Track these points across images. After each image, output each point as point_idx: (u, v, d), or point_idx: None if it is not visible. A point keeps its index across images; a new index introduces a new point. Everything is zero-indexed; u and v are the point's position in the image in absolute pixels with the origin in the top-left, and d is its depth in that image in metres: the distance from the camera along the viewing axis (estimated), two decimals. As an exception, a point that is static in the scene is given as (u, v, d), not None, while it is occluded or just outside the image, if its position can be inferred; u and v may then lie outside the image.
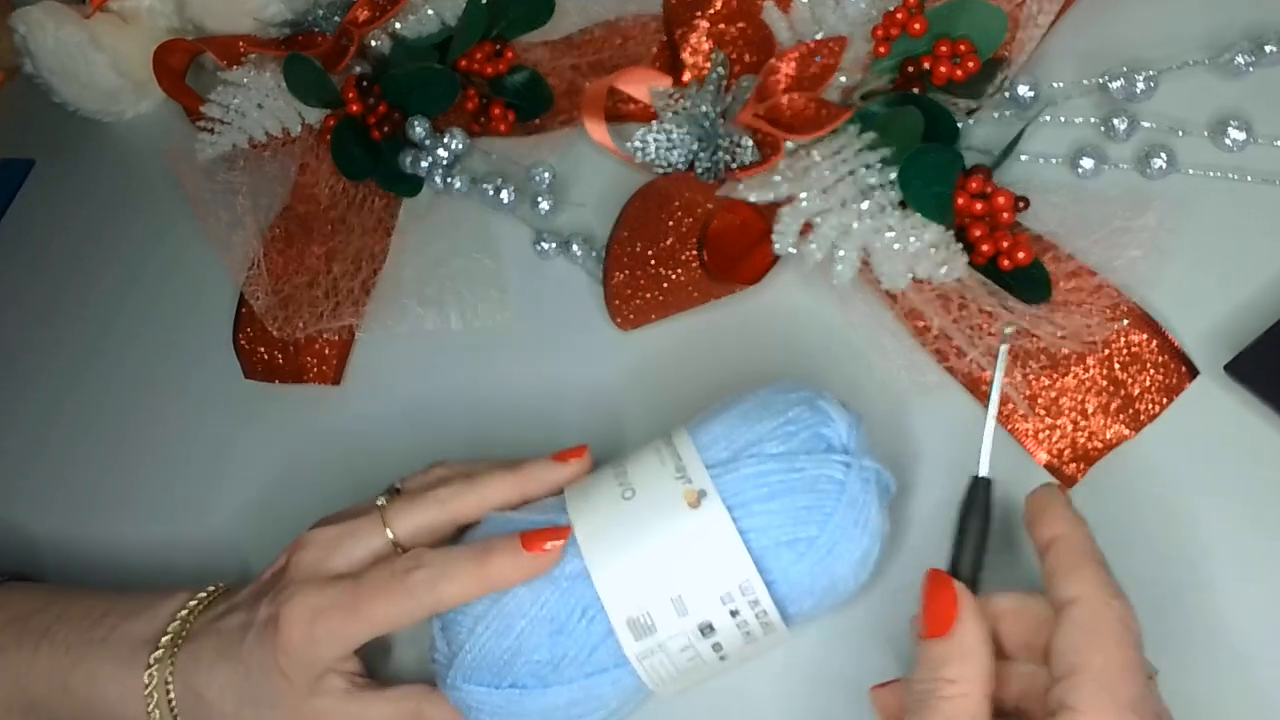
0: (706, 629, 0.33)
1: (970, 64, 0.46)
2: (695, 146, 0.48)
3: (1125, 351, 0.41)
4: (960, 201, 0.41)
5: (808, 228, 0.43)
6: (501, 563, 0.34)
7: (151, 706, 0.37)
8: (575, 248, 0.49)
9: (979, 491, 0.33)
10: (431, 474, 0.40)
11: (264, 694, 0.36)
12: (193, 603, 0.39)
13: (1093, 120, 0.47)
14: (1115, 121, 0.46)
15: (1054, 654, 0.29)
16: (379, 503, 0.39)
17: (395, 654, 0.41)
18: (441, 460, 0.41)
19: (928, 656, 0.30)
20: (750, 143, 0.45)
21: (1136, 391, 0.40)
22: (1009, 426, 0.40)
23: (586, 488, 0.36)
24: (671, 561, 0.33)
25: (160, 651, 0.38)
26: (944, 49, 0.46)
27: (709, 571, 0.33)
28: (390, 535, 0.38)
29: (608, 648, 0.33)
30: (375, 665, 0.40)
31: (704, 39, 0.51)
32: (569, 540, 0.34)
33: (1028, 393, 0.40)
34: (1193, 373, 0.40)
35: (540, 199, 0.51)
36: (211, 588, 0.40)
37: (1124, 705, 0.27)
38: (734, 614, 0.33)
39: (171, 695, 0.37)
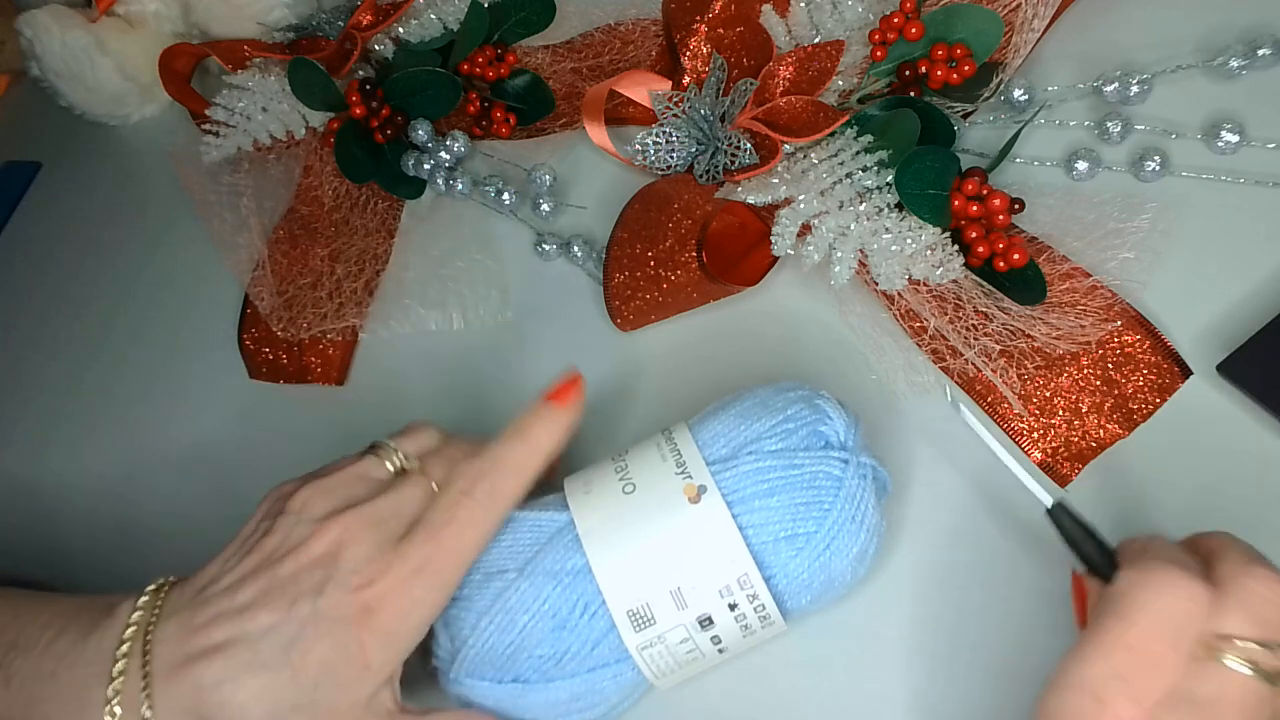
0: (705, 622, 0.34)
1: (966, 68, 0.47)
2: (694, 149, 0.48)
3: (1119, 352, 0.41)
4: (956, 204, 0.42)
5: (806, 229, 0.43)
6: (541, 430, 0.36)
7: None
8: (576, 249, 0.50)
9: (1062, 518, 0.33)
10: (429, 434, 0.38)
11: (313, 697, 0.32)
12: (138, 613, 0.34)
13: (1087, 123, 0.47)
14: (1109, 124, 0.46)
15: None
16: (391, 461, 0.37)
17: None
18: (423, 421, 0.39)
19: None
20: (749, 145, 0.46)
21: (1130, 391, 0.40)
22: (1004, 426, 0.41)
23: (588, 481, 0.36)
24: (671, 555, 0.34)
25: (116, 684, 0.32)
26: (940, 53, 0.47)
27: (708, 566, 0.34)
28: (434, 486, 0.36)
29: (609, 643, 0.34)
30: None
31: (703, 43, 0.51)
32: (571, 537, 0.35)
33: (1022, 392, 0.41)
34: (1185, 373, 0.40)
35: (541, 201, 0.52)
36: (153, 586, 0.35)
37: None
38: (732, 608, 0.34)
39: None
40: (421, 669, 0.37)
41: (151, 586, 0.35)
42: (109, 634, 0.34)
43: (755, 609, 0.34)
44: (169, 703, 0.32)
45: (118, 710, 0.32)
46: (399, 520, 0.35)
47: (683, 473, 0.35)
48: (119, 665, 0.33)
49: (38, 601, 0.36)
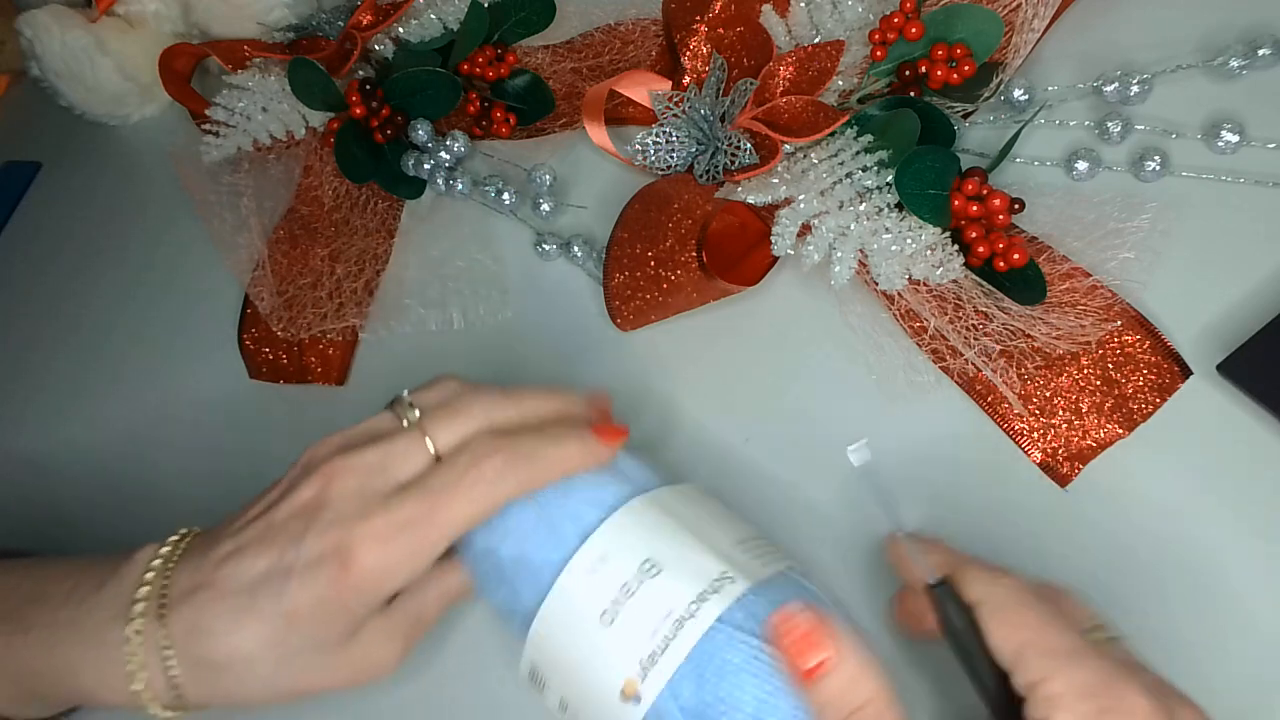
0: None
1: (966, 68, 0.47)
2: (694, 149, 0.48)
3: (1119, 352, 0.41)
4: (956, 203, 0.42)
5: (806, 229, 0.43)
6: (574, 451, 0.34)
7: (140, 684, 0.33)
8: (576, 249, 0.50)
9: (944, 600, 0.32)
10: (447, 386, 0.37)
11: (312, 639, 0.33)
12: (158, 560, 0.35)
13: (1087, 123, 0.47)
14: (1109, 124, 0.46)
15: (997, 655, 0.30)
16: (405, 418, 0.36)
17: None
18: (448, 374, 0.38)
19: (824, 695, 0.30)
20: (749, 145, 0.46)
21: (1130, 391, 0.40)
22: (1004, 426, 0.41)
23: (608, 557, 0.33)
24: (579, 694, 0.33)
25: (136, 624, 0.33)
26: (940, 53, 0.47)
27: None
28: (433, 450, 0.35)
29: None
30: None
31: (703, 43, 0.51)
32: (553, 569, 0.34)
33: (1022, 392, 0.41)
34: (1185, 372, 0.40)
35: (541, 201, 0.52)
36: (176, 536, 0.36)
37: (1064, 655, 0.29)
38: None
39: (175, 675, 0.33)
40: None
41: (174, 536, 0.36)
42: (128, 578, 0.34)
43: None
44: (186, 649, 0.33)
45: (137, 650, 0.33)
46: (386, 474, 0.34)
47: (645, 669, 0.32)
48: (138, 606, 0.33)
49: (55, 561, 0.37)
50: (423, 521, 0.33)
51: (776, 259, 0.45)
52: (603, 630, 0.32)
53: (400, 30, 0.56)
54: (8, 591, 0.36)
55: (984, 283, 0.43)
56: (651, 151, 0.49)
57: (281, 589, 0.33)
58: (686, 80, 0.51)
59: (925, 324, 0.43)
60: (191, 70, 0.61)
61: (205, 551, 0.35)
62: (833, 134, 0.46)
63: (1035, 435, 0.40)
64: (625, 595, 0.32)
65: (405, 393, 0.37)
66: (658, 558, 0.33)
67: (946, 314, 0.42)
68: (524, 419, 0.36)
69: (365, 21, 0.56)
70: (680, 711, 0.31)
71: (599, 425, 0.36)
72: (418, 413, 0.36)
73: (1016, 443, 0.40)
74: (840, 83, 0.49)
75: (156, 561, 0.35)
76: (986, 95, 0.47)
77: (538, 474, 0.34)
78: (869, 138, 0.45)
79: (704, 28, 0.51)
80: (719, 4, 0.51)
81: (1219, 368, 0.39)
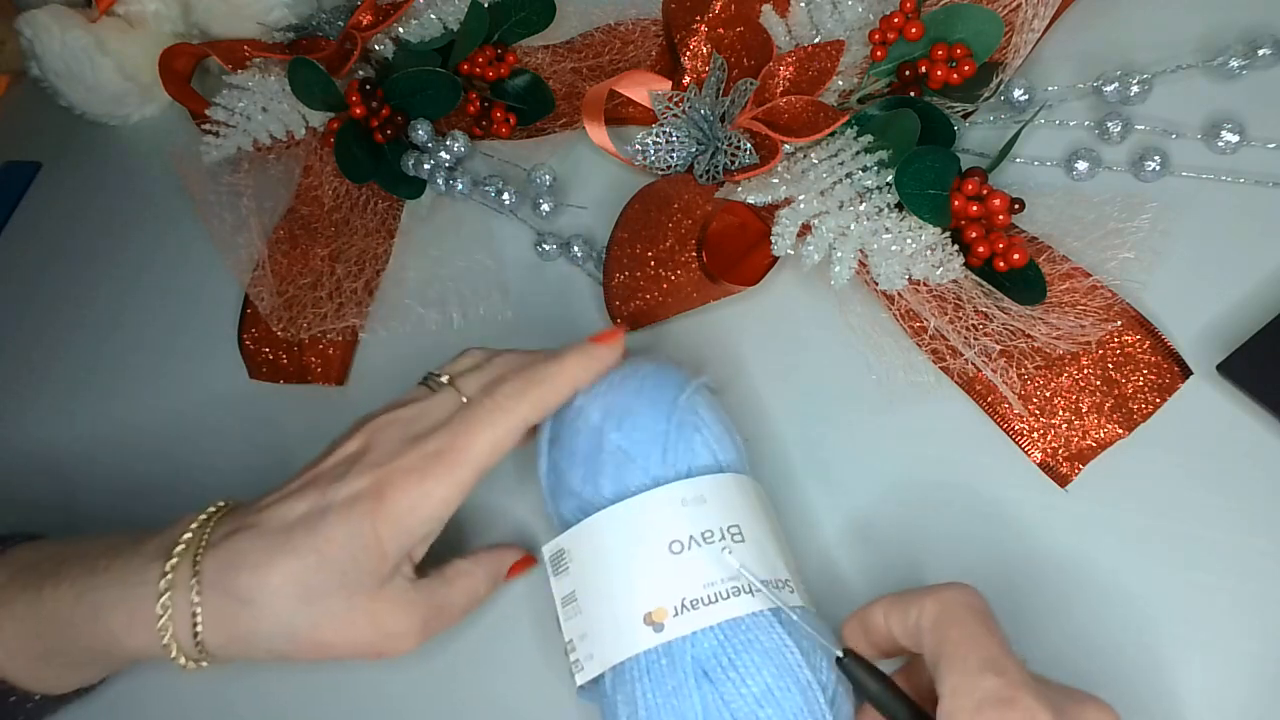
0: (559, 623, 0.36)
1: (966, 68, 0.47)
2: (694, 149, 0.48)
3: (1119, 352, 0.41)
4: (956, 204, 0.42)
5: (806, 229, 0.43)
6: (577, 361, 0.38)
7: (164, 623, 0.34)
8: (576, 249, 0.50)
9: (851, 667, 0.32)
10: (473, 353, 0.40)
11: (342, 580, 0.34)
12: (203, 516, 0.37)
13: (1087, 123, 0.47)
14: (1109, 124, 0.46)
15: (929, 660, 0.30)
16: (437, 387, 0.39)
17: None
18: (472, 346, 0.41)
19: None
20: (749, 145, 0.46)
21: (1130, 391, 0.40)
22: (1004, 426, 0.41)
23: (706, 500, 0.35)
24: (600, 596, 0.34)
25: (174, 561, 0.35)
26: (940, 53, 0.47)
27: (592, 633, 0.34)
28: (465, 400, 0.38)
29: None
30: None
31: (703, 43, 0.51)
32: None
33: (1022, 392, 0.41)
34: (1185, 372, 0.40)
35: (541, 201, 0.52)
36: (221, 503, 0.38)
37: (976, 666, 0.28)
38: (567, 652, 0.35)
39: (197, 612, 0.34)
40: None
41: (220, 502, 0.38)
42: (169, 534, 0.36)
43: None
44: (214, 585, 0.34)
45: (167, 588, 0.34)
46: (422, 420, 0.37)
47: (682, 607, 0.33)
48: (177, 548, 0.35)
49: (77, 539, 0.39)
50: (449, 450, 0.35)
51: (776, 259, 0.45)
52: (664, 557, 0.33)
53: (400, 30, 0.56)
54: (47, 555, 0.38)
55: (984, 283, 0.42)
56: (651, 151, 0.49)
57: (318, 524, 0.34)
58: (686, 80, 0.51)
59: (925, 324, 0.43)
60: (191, 70, 0.61)
61: (249, 506, 0.37)
62: (833, 134, 0.46)
63: (1035, 435, 0.40)
64: (704, 540, 0.34)
65: (437, 370, 0.40)
66: (746, 530, 0.35)
67: (946, 314, 0.42)
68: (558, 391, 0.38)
69: (365, 21, 0.56)
70: (691, 660, 0.32)
71: (597, 335, 0.39)
72: (447, 378, 0.39)
73: (1016, 443, 0.40)
74: (840, 83, 0.49)
75: (202, 516, 0.37)
76: (986, 95, 0.47)
77: (548, 393, 0.37)
78: (869, 138, 0.45)
79: (704, 28, 0.51)
80: (719, 4, 0.51)
81: (1219, 368, 0.39)
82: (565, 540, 0.36)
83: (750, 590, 0.33)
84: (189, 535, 0.36)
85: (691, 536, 0.34)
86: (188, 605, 0.34)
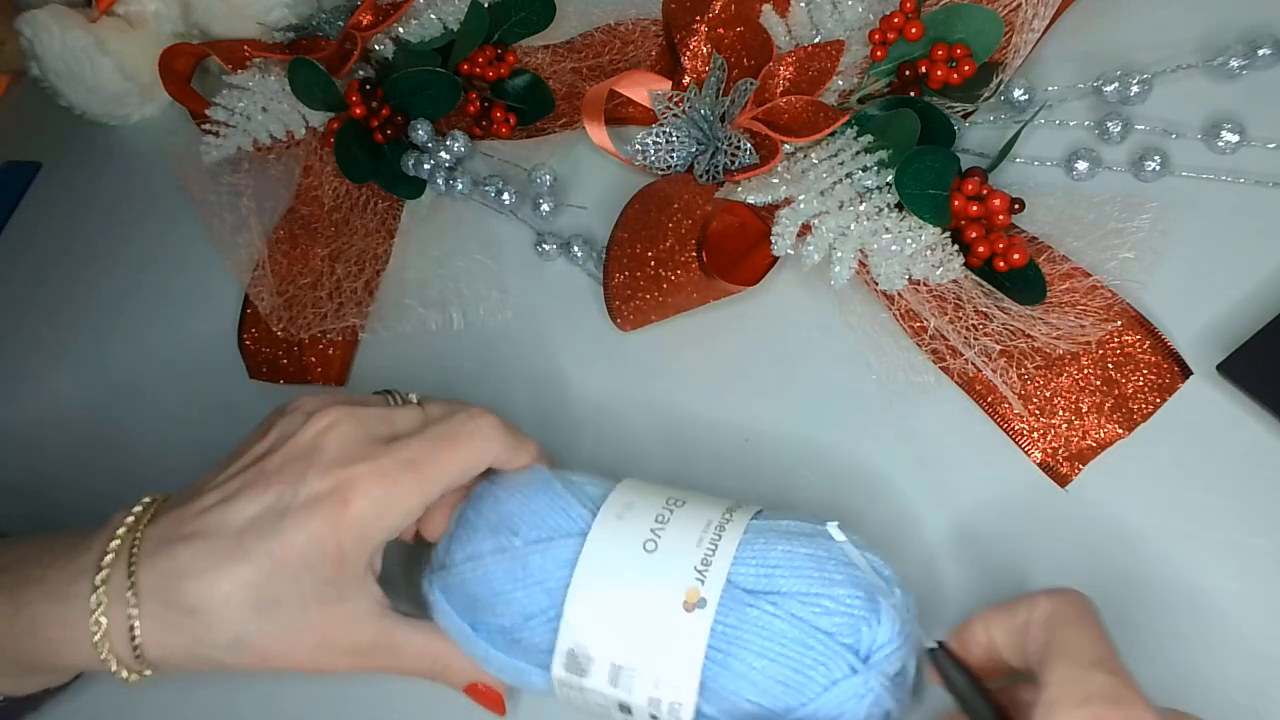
0: (625, 709, 0.33)
1: (966, 68, 0.47)
2: (694, 149, 0.48)
3: (1119, 352, 0.41)
4: (956, 204, 0.42)
5: (806, 229, 0.43)
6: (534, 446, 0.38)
7: (99, 638, 0.32)
8: (576, 249, 0.50)
9: (942, 660, 0.32)
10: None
11: (296, 588, 0.32)
12: (130, 519, 0.34)
13: (1087, 123, 0.47)
14: (1109, 124, 0.46)
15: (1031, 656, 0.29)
16: (410, 398, 0.38)
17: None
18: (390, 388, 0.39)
19: None
20: (749, 145, 0.46)
21: (1130, 391, 0.40)
22: (1004, 426, 0.41)
23: (632, 505, 0.35)
24: (636, 636, 0.32)
25: (105, 573, 0.32)
26: (940, 53, 0.47)
27: (658, 671, 0.32)
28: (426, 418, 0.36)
29: (548, 651, 0.34)
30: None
31: (703, 43, 0.51)
32: (575, 545, 0.34)
33: (1022, 392, 0.41)
34: (1185, 373, 0.40)
35: (541, 201, 0.52)
36: (148, 499, 0.35)
37: (1088, 664, 0.28)
38: (653, 716, 0.33)
39: (135, 625, 0.32)
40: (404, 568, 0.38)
41: (146, 499, 0.36)
42: (100, 538, 0.34)
43: None
44: (154, 595, 0.32)
45: (102, 600, 0.32)
46: (388, 425, 0.35)
47: (701, 573, 0.32)
48: (107, 558, 0.33)
49: (31, 537, 0.36)
50: (425, 461, 0.34)
51: (776, 259, 0.45)
52: (648, 558, 0.33)
53: (400, 30, 0.56)
54: None
55: (984, 283, 0.43)
56: (651, 151, 0.49)
57: (274, 529, 0.32)
58: (686, 80, 0.51)
59: (925, 324, 0.43)
60: (191, 70, 0.61)
61: (184, 505, 0.34)
62: (833, 134, 0.46)
63: (1035, 435, 0.40)
64: (660, 524, 0.34)
65: (412, 395, 0.39)
66: (677, 496, 0.35)
67: (946, 314, 0.42)
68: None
69: (365, 21, 0.56)
70: (744, 593, 0.32)
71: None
72: (416, 398, 0.38)
73: (1016, 443, 0.40)
74: (840, 83, 0.49)
75: (129, 519, 0.34)
76: (986, 95, 0.47)
77: (519, 448, 0.37)
78: (869, 138, 0.45)
79: (704, 28, 0.51)
80: (719, 4, 0.51)
81: (1219, 368, 0.39)
82: (564, 638, 0.33)
83: (729, 515, 0.34)
84: (117, 542, 0.33)
85: (650, 529, 0.34)
86: (124, 619, 0.32)
